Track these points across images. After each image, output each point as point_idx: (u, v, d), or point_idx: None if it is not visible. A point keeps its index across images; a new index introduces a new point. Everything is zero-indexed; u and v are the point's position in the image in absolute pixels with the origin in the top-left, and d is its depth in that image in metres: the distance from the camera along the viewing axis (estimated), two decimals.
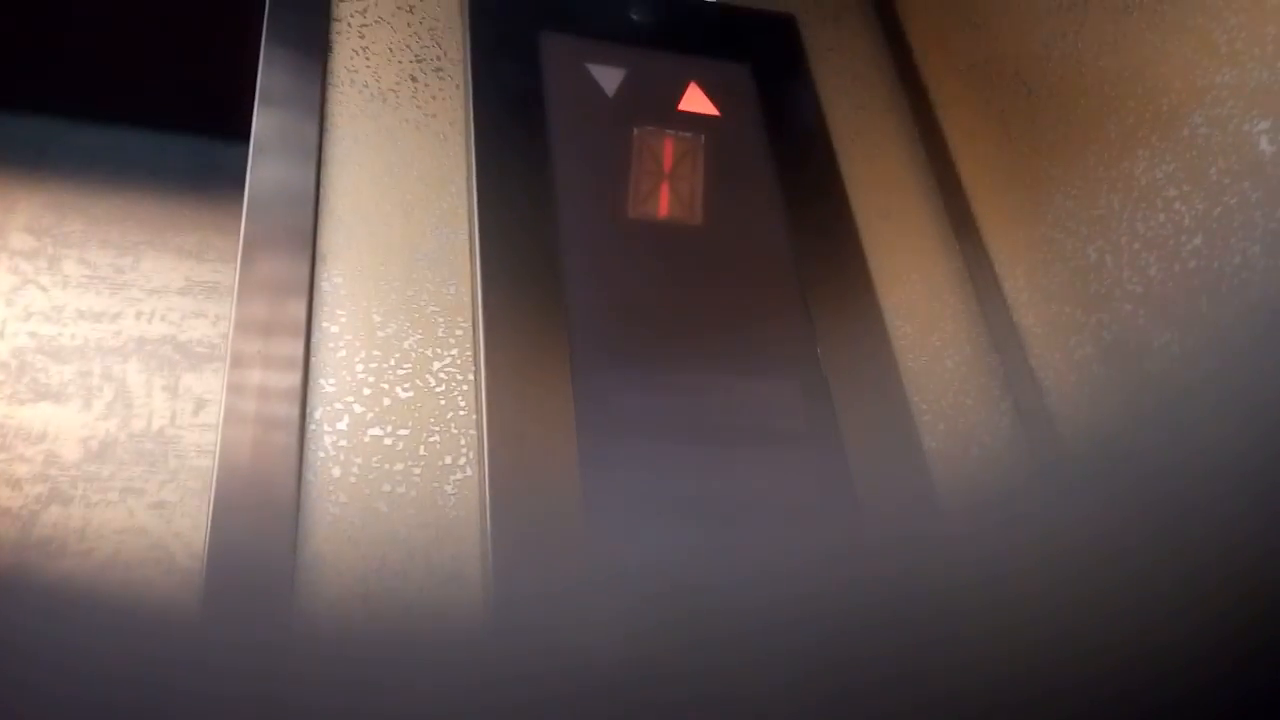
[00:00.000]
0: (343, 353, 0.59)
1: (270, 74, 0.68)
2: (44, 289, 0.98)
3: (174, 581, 0.83)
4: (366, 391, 0.58)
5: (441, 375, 0.60)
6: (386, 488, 0.56)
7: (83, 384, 0.92)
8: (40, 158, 1.05)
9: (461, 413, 0.59)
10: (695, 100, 0.77)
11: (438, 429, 0.58)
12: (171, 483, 0.89)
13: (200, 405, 0.94)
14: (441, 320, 0.62)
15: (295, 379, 0.57)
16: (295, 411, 0.56)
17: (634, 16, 0.79)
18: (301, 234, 0.62)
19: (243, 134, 0.63)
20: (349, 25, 0.73)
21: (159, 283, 1.01)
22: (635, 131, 0.73)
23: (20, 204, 1.02)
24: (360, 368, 0.59)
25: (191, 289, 1.01)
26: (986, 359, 0.72)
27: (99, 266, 1.00)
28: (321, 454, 0.55)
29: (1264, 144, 0.54)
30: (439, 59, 0.74)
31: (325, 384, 0.58)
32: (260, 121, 0.66)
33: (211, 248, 1.04)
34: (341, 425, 0.57)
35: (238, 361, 0.56)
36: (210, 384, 0.96)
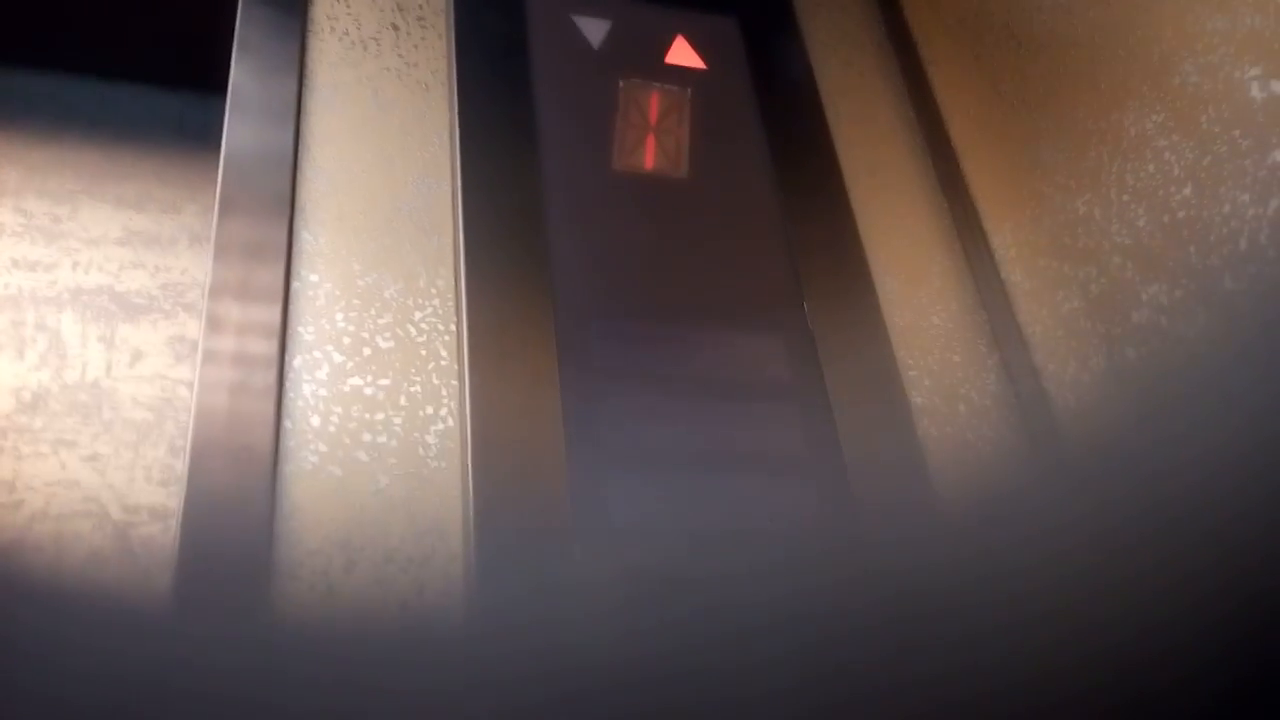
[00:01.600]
0: (322, 302, 0.58)
1: (248, 20, 0.66)
2: None
3: (106, 534, 0.82)
4: (347, 341, 0.58)
5: (423, 325, 0.60)
6: (367, 437, 0.55)
7: (15, 334, 0.90)
8: None
9: (443, 363, 0.59)
10: (682, 53, 0.76)
11: (419, 379, 0.58)
12: (105, 435, 0.87)
13: (137, 356, 0.92)
14: (423, 270, 0.62)
15: (274, 328, 0.56)
16: (274, 360, 0.55)
17: None
18: (280, 184, 0.61)
19: (190, 82, 0.61)
20: None
21: (97, 233, 0.98)
22: (621, 84, 0.72)
23: None
24: (340, 317, 0.58)
25: (130, 239, 0.98)
26: (974, 315, 0.72)
27: (35, 215, 0.97)
28: (301, 403, 0.55)
29: (1255, 90, 0.53)
30: (421, 6, 0.73)
31: (304, 333, 0.57)
32: (238, 69, 0.64)
33: (152, 198, 1.01)
34: (321, 374, 0.56)
35: (215, 311, 0.55)
36: (148, 335, 0.93)
